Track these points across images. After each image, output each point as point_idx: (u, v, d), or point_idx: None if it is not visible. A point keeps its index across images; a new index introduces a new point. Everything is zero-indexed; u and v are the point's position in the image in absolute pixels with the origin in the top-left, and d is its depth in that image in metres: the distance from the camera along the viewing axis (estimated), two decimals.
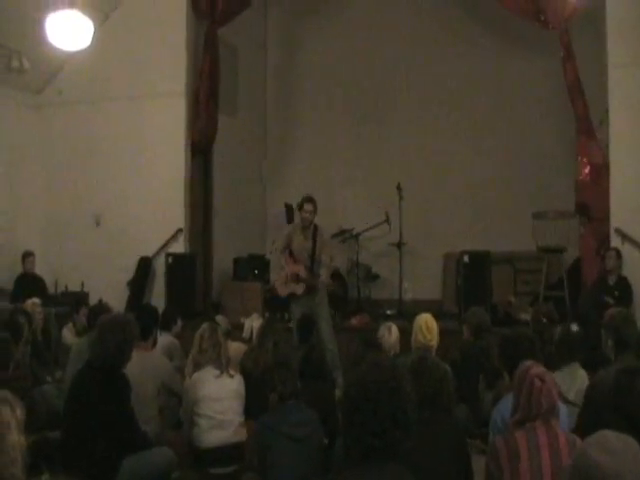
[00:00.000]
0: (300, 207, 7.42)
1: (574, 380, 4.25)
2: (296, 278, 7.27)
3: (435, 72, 11.00)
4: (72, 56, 9.39)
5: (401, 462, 2.20)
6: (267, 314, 8.60)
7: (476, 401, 5.44)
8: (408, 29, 11.13)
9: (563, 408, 3.37)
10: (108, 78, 9.74)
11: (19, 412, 2.79)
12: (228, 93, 10.43)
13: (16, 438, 2.69)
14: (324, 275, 7.26)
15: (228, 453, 4.74)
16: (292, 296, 7.37)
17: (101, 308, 6.71)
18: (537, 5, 8.46)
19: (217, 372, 4.92)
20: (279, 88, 12.09)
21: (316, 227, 7.43)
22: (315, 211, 7.39)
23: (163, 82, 9.58)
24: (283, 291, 7.44)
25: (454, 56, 10.89)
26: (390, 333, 5.70)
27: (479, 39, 10.80)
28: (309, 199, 7.42)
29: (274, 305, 8.54)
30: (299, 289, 7.29)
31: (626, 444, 1.97)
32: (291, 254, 7.43)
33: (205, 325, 5.20)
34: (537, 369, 3.11)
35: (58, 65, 9.95)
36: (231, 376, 4.99)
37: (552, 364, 4.07)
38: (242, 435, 4.83)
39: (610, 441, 1.97)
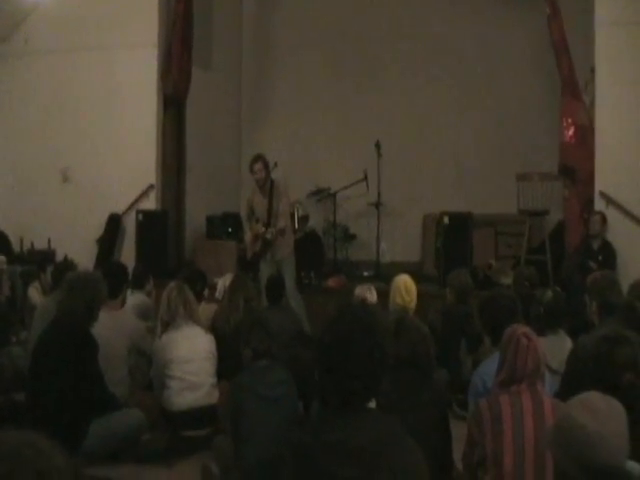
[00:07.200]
0: (250, 169, 7.30)
1: (559, 348, 4.13)
2: (256, 238, 7.33)
3: (418, 30, 10.74)
4: (39, 2, 9.02)
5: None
6: (237, 271, 8.45)
7: (457, 366, 5.40)
8: None
9: (547, 377, 3.30)
10: (77, 27, 9.38)
11: None
12: (202, 45, 10.11)
13: None
14: (280, 223, 7.18)
15: (200, 415, 4.71)
16: (256, 256, 7.43)
17: (67, 266, 6.66)
18: None
19: (187, 332, 4.84)
20: (255, 40, 11.74)
21: (272, 182, 7.35)
22: (266, 168, 7.28)
23: (135, 32, 9.25)
24: (249, 254, 7.52)
25: (437, 14, 10.64)
26: (372, 294, 5.58)
27: None
28: (256, 158, 7.29)
29: (248, 264, 8.40)
30: (257, 246, 7.36)
31: (610, 405, 1.96)
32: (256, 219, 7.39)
33: (172, 283, 5.14)
34: (525, 328, 3.10)
35: (24, 12, 9.54)
36: (203, 332, 4.93)
37: (536, 330, 3.94)
38: (215, 397, 4.80)
39: (594, 402, 1.96)
